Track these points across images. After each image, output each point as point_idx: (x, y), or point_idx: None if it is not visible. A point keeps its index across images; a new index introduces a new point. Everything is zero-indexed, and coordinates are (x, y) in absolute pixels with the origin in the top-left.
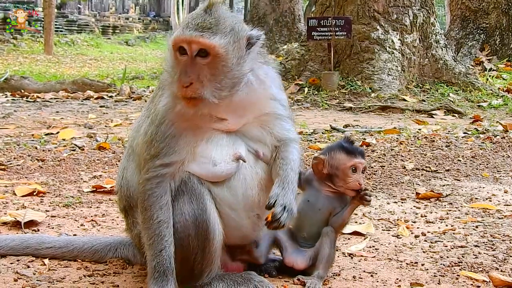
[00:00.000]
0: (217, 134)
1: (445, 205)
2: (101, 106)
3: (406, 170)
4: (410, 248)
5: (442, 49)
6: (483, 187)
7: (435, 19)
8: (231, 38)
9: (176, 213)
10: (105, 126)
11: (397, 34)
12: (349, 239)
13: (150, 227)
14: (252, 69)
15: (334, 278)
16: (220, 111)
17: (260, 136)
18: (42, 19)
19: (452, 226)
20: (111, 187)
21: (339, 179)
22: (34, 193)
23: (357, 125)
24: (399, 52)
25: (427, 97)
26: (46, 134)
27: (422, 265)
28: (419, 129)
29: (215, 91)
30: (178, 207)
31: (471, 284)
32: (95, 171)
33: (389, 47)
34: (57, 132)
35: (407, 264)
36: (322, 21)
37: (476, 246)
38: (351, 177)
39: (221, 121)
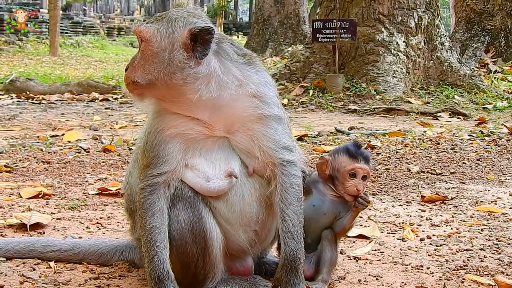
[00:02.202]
0: (209, 146)
1: (450, 208)
2: (106, 108)
3: (411, 172)
4: (415, 251)
5: (447, 51)
6: (488, 190)
7: (440, 21)
8: (163, 25)
9: (172, 221)
10: (110, 128)
11: (402, 36)
12: (354, 242)
13: (144, 233)
14: (227, 69)
15: (340, 282)
16: (194, 111)
17: (250, 149)
18: (48, 21)
19: (457, 229)
20: (116, 189)
21: (338, 182)
22: (40, 196)
23: (362, 128)
24: (404, 54)
25: (432, 99)
26: (52, 136)
27: (428, 268)
28: (424, 132)
29: (144, 73)
30: (174, 215)
31: None
32: (100, 173)
33: (394, 49)
34: (63, 134)
35: (412, 267)
36: (327, 23)
37: (481, 249)
38: (349, 182)
39: (206, 127)
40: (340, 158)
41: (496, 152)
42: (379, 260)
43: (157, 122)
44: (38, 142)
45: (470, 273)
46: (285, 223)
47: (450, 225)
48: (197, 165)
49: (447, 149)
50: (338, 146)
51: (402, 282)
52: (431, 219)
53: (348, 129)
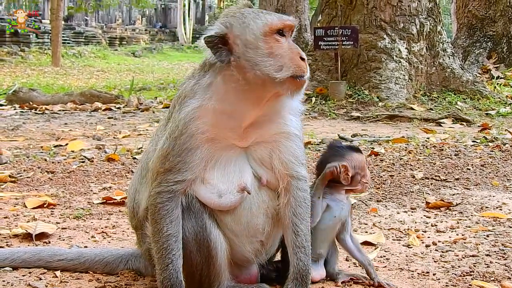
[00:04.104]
0: (227, 158)
1: (455, 214)
2: (109, 118)
3: (416, 179)
4: (421, 257)
5: (449, 57)
6: (493, 196)
7: (441, 27)
8: None
9: None
10: (114, 137)
11: (404, 43)
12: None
13: (159, 240)
14: None
15: None
16: (250, 115)
17: (267, 160)
18: (50, 31)
19: (463, 235)
20: (121, 198)
21: (361, 176)
22: (45, 205)
23: (365, 134)
24: (406, 61)
25: (435, 106)
26: (55, 146)
27: (434, 274)
28: (428, 138)
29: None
30: None
31: None
32: (104, 182)
33: (396, 56)
34: (66, 144)
35: (418, 274)
36: (329, 30)
37: (487, 255)
38: (367, 171)
39: (240, 136)
40: (353, 156)
41: (500, 158)
42: (385, 266)
43: (195, 124)
44: (42, 152)
45: (477, 279)
46: (298, 238)
47: (455, 231)
48: (210, 179)
49: (451, 155)
50: (327, 153)
51: None
52: (436, 225)
53: (351, 136)
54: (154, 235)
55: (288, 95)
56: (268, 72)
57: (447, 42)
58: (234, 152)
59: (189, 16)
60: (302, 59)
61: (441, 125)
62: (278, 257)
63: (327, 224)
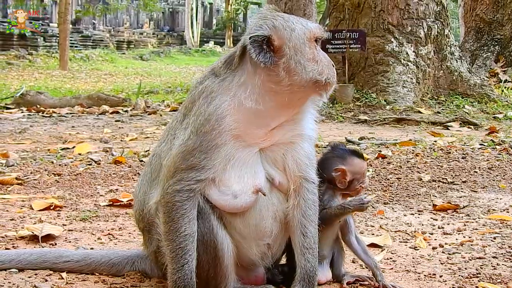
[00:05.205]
0: (245, 158)
1: (462, 217)
2: (116, 121)
3: (423, 182)
4: (428, 260)
5: (456, 61)
6: (500, 199)
7: (449, 31)
8: None
9: None
10: (121, 140)
11: (411, 46)
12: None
13: (175, 239)
14: None
15: None
16: (281, 116)
17: (279, 161)
18: (57, 35)
19: (469, 237)
20: (127, 200)
21: (358, 182)
22: (51, 207)
23: (372, 138)
24: (413, 64)
25: (442, 109)
26: (62, 149)
27: (440, 276)
28: (435, 141)
29: None
30: None
31: None
32: (111, 185)
33: (403, 59)
34: (73, 147)
35: (425, 276)
36: (337, 34)
37: (494, 257)
38: (366, 179)
39: (265, 135)
40: (354, 161)
41: (508, 161)
42: (392, 268)
43: (227, 121)
44: (49, 155)
45: (483, 281)
46: (306, 239)
47: (462, 233)
48: (226, 179)
49: (458, 158)
50: (329, 155)
51: None
52: (443, 228)
53: (359, 139)
54: (168, 234)
55: (321, 98)
56: (313, 75)
57: (455, 45)
58: (250, 152)
59: (196, 20)
60: (333, 65)
61: (448, 129)
62: (283, 261)
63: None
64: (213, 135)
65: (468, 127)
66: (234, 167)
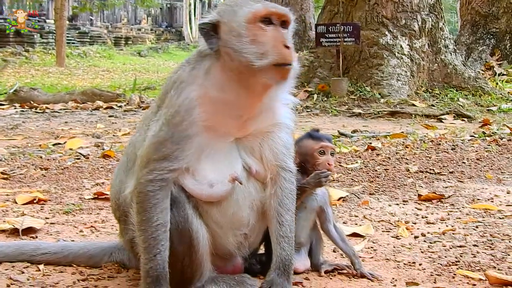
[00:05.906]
0: (218, 148)
1: (446, 206)
2: (110, 116)
3: (410, 172)
4: (409, 248)
5: (451, 54)
6: (486, 188)
7: (443, 24)
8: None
9: None
10: (113, 135)
11: (405, 39)
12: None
13: (147, 229)
14: None
15: (331, 279)
16: (253, 106)
17: (257, 150)
18: (54, 31)
19: (452, 226)
20: None
21: (310, 164)
22: (35, 201)
23: (365, 131)
24: (408, 58)
25: (437, 102)
26: (54, 144)
27: (420, 264)
28: (427, 134)
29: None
30: None
31: (467, 283)
32: (98, 178)
33: (398, 53)
34: (65, 142)
35: (404, 264)
36: (331, 27)
37: (475, 245)
38: (320, 159)
39: (240, 126)
40: (305, 143)
41: (497, 152)
42: (372, 257)
43: (197, 111)
44: (39, 150)
45: (462, 269)
46: (282, 228)
47: (445, 222)
48: (201, 169)
49: (447, 149)
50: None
51: (393, 278)
52: (426, 217)
53: (351, 132)
54: (141, 224)
55: (274, 84)
56: (248, 59)
57: (449, 38)
58: (225, 142)
59: (195, 16)
60: (287, 47)
61: (442, 121)
62: (261, 250)
63: (300, 214)
64: (184, 126)
65: (462, 120)
66: (208, 156)
